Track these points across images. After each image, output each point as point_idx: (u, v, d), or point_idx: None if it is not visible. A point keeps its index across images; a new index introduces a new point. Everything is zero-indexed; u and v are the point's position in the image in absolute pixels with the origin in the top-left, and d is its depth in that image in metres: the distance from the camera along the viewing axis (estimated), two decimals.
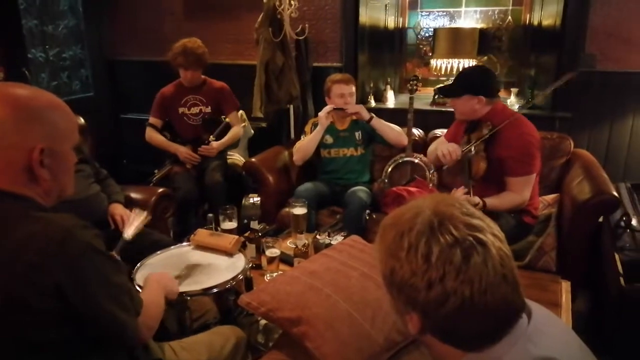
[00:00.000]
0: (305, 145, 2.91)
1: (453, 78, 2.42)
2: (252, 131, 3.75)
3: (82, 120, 2.90)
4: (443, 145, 2.52)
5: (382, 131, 2.83)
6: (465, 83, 2.28)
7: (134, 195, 2.63)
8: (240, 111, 3.61)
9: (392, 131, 2.85)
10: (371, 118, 2.82)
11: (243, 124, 3.64)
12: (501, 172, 2.27)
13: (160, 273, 1.50)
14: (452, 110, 3.35)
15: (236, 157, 3.55)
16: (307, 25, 3.44)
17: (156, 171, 3.23)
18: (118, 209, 2.35)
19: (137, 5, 4.22)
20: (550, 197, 2.64)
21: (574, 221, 2.32)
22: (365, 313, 1.42)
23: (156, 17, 4.17)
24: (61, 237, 0.95)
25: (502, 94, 3.55)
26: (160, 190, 2.71)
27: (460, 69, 3.53)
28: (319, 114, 2.87)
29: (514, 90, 3.47)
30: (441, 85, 3.59)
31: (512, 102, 3.42)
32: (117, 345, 1.11)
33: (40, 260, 0.92)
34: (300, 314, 1.43)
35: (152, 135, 3.20)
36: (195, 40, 3.12)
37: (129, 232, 1.88)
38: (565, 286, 1.92)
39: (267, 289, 1.57)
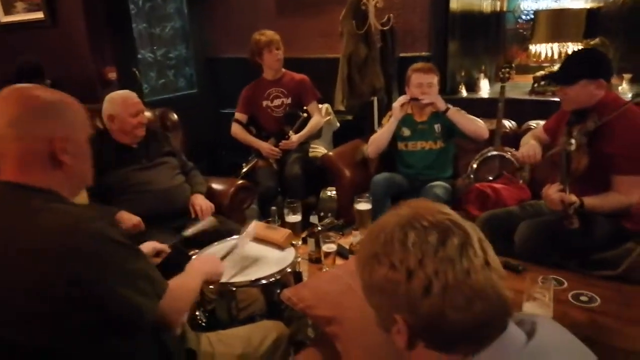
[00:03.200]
0: (379, 137, 2.83)
1: (560, 64, 2.18)
2: (338, 124, 3.75)
3: (175, 117, 3.12)
4: (526, 146, 2.33)
5: (459, 123, 2.65)
6: (581, 67, 2.04)
7: (214, 186, 2.77)
8: (326, 104, 3.64)
9: (471, 124, 2.66)
10: (447, 109, 2.66)
11: (328, 117, 3.66)
12: (605, 171, 2.02)
13: (205, 257, 1.56)
14: (553, 99, 3.08)
15: (320, 150, 3.58)
16: (392, 15, 3.34)
17: (244, 164, 3.38)
18: (198, 199, 2.51)
19: (235, 5, 4.42)
20: None
21: None
22: None
23: (251, 15, 4.33)
24: (74, 228, 1.01)
25: (613, 80, 3.14)
26: (240, 182, 2.83)
27: (564, 54, 3.20)
28: (393, 104, 2.77)
29: (626, 76, 3.06)
30: (540, 75, 3.30)
31: (625, 89, 3.02)
32: (141, 330, 1.15)
33: (56, 250, 0.99)
34: (335, 314, 1.41)
35: (237, 131, 3.35)
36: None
37: (188, 231, 1.98)
38: None
39: (309, 285, 1.58)
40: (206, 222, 2.05)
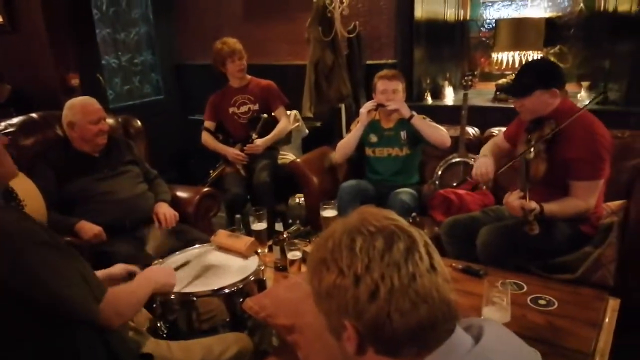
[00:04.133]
0: (346, 142, 2.86)
1: (515, 76, 2.24)
2: (307, 131, 3.75)
3: (138, 124, 3.05)
4: (479, 162, 2.36)
5: (422, 131, 2.69)
6: (534, 78, 2.09)
7: (179, 194, 2.73)
8: (295, 111, 3.64)
9: (434, 131, 2.70)
10: (412, 116, 2.69)
11: (297, 124, 3.66)
12: (564, 176, 2.07)
13: (158, 267, 1.55)
14: (513, 107, 3.15)
15: (290, 157, 3.57)
16: (358, 22, 3.37)
17: (211, 172, 3.35)
18: (162, 208, 2.46)
19: (202, 10, 4.39)
20: (615, 204, 2.35)
21: None
22: None
23: (218, 21, 4.31)
24: (2, 234, 1.01)
25: (572, 87, 3.25)
26: (205, 190, 2.79)
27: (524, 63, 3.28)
28: (360, 110, 2.81)
29: (584, 83, 3.15)
30: (502, 83, 3.38)
31: (583, 96, 3.11)
32: (89, 333, 1.15)
33: None
34: (295, 322, 1.40)
35: (207, 139, 3.31)
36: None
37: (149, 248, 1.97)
38: (613, 304, 1.70)
39: (270, 294, 1.57)
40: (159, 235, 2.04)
